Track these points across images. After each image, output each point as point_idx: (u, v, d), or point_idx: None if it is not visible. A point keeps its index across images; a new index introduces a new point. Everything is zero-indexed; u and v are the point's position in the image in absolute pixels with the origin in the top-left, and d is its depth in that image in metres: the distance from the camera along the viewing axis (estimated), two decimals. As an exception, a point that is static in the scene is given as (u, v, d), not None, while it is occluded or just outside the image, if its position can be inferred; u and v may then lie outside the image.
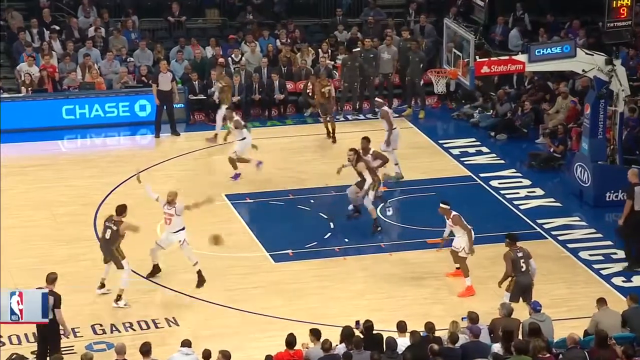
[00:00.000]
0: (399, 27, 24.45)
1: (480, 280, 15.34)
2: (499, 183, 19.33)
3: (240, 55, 23.47)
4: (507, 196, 18.70)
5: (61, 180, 19.27)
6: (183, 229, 15.12)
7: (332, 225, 17.26)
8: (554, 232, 17.20)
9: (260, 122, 22.66)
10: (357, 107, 23.03)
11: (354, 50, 23.13)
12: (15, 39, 23.52)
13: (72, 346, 13.51)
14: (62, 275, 14.78)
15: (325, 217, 17.55)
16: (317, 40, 24.71)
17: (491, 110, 22.44)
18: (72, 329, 13.64)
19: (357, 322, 12.39)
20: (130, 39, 24.12)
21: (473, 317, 12.31)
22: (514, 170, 19.93)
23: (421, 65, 22.46)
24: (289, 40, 24.24)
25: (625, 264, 15.79)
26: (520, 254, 13.77)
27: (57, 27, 23.99)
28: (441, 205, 15.20)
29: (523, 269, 13.67)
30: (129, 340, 13.45)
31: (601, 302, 12.73)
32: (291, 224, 17.41)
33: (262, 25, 24.93)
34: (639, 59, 22.33)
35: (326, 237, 16.95)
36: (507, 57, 17.46)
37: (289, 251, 16.43)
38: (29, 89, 22.02)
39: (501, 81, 23.10)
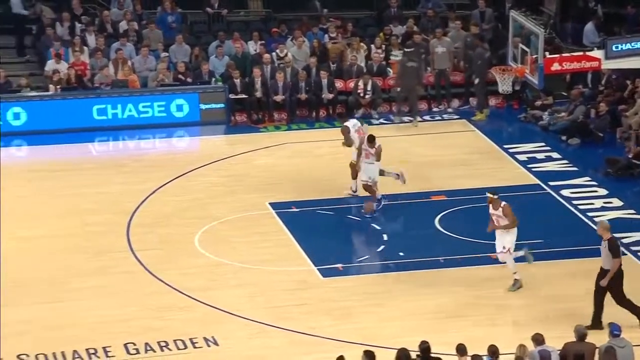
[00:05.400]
0: (463, 20, 24.39)
1: (547, 301, 15.27)
2: (571, 192, 19.21)
3: (285, 51, 23.62)
4: (581, 207, 18.57)
5: (91, 186, 19.44)
6: None
7: (385, 238, 17.31)
8: (633, 248, 17.03)
9: (307, 124, 22.77)
10: (414, 110, 22.92)
11: (407, 51, 23.01)
12: (43, 33, 23.92)
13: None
14: (89, 289, 15.01)
15: (378, 228, 17.61)
16: (370, 34, 24.80)
17: (563, 112, 22.33)
18: (103, 348, 13.83)
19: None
20: (166, 21, 24.24)
21: (539, 339, 12.26)
22: (588, 178, 19.80)
23: (479, 62, 22.43)
24: (339, 35, 24.34)
25: None
26: None
27: (88, 18, 24.30)
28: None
29: None
30: (164, 360, 13.59)
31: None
32: (341, 236, 17.47)
33: (309, 18, 25.07)
34: None
35: (379, 250, 16.98)
36: (581, 53, 17.40)
37: (339, 265, 16.48)
38: (58, 87, 22.36)
39: (574, 80, 22.96)
